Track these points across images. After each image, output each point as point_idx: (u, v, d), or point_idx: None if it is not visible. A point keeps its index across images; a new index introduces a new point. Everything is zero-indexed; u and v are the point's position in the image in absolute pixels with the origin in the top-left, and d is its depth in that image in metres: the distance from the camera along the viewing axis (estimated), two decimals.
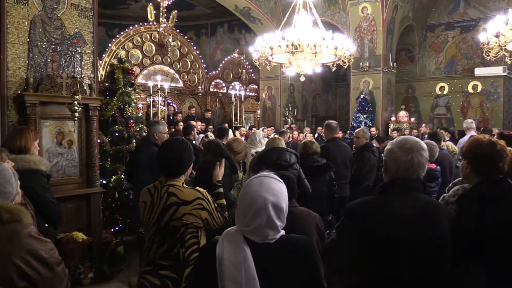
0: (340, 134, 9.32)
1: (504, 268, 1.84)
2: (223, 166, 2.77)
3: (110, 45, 10.79)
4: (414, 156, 1.81)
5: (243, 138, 8.86)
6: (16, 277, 1.57)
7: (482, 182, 2.02)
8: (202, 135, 7.68)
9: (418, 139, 1.91)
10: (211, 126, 10.21)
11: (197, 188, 2.41)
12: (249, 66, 14.12)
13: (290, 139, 9.37)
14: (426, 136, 5.58)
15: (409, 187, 1.82)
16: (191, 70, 12.69)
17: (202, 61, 13.21)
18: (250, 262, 1.48)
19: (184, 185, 2.39)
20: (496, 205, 1.91)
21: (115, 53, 10.45)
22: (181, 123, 8.92)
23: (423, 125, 10.63)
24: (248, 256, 1.48)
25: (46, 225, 2.90)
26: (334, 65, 7.35)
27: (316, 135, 10.74)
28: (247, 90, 13.95)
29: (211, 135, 6.76)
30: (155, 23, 11.20)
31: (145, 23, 11.32)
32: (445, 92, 12.86)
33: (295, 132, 10.36)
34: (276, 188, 1.58)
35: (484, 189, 1.99)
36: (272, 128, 11.31)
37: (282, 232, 1.60)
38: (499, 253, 1.84)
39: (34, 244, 1.65)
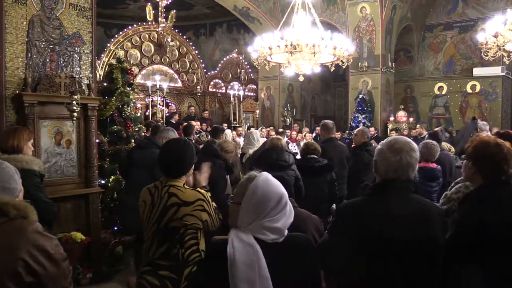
0: (338, 135, 9.32)
1: (505, 270, 1.83)
2: (205, 171, 2.68)
3: (108, 45, 10.80)
4: (403, 157, 1.80)
5: (241, 138, 8.88)
6: (23, 272, 1.59)
7: (486, 184, 2.01)
8: (197, 135, 7.65)
9: (409, 140, 1.90)
10: (205, 125, 10.18)
11: (198, 189, 2.41)
12: (248, 66, 14.13)
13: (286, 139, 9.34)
14: (426, 136, 5.56)
15: (400, 188, 1.81)
16: (190, 70, 12.69)
17: (201, 61, 13.22)
18: (263, 262, 1.49)
19: (185, 185, 2.38)
20: (500, 207, 1.89)
21: (114, 53, 10.45)
22: (184, 123, 8.87)
23: (418, 125, 10.55)
24: (261, 256, 1.49)
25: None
26: (333, 65, 7.36)
27: (313, 134, 10.73)
28: (246, 90, 13.96)
29: (203, 135, 6.72)
30: (154, 23, 11.20)
31: (144, 23, 11.32)
32: (443, 92, 12.89)
33: (294, 133, 10.34)
34: (281, 185, 1.66)
35: (488, 191, 1.97)
36: (271, 128, 11.32)
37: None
38: (502, 256, 1.84)
39: (40, 239, 1.67)
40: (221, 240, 1.59)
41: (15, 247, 1.60)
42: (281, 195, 1.60)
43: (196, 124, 9.10)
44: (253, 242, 1.52)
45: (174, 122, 9.66)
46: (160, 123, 6.93)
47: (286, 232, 1.60)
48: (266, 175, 1.64)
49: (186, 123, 6.78)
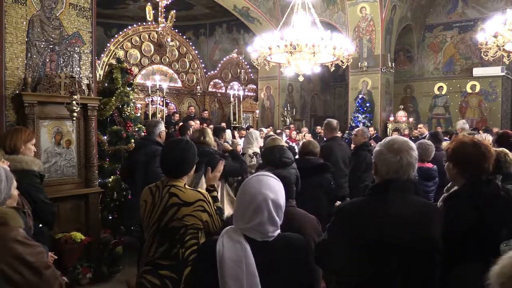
0: (339, 134, 9.28)
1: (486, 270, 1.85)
2: (218, 169, 2.72)
3: (108, 45, 10.79)
4: (403, 156, 1.80)
5: (242, 139, 8.87)
6: (1, 281, 1.56)
7: (468, 183, 2.03)
8: None
9: (406, 139, 1.91)
10: (205, 125, 10.17)
11: (199, 189, 2.41)
12: (248, 66, 14.12)
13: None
14: (426, 135, 5.57)
15: (401, 188, 1.80)
16: (189, 70, 12.68)
17: (201, 61, 13.21)
18: (251, 259, 1.50)
19: (186, 186, 2.39)
20: (482, 206, 1.91)
21: (114, 53, 10.44)
22: (181, 123, 8.88)
23: (421, 125, 10.51)
24: (249, 253, 1.51)
25: (41, 225, 2.89)
26: (333, 65, 7.36)
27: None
28: (246, 90, 13.95)
29: None
30: (153, 23, 11.19)
31: (144, 23, 11.31)
32: (443, 92, 12.89)
33: (294, 132, 10.33)
34: (274, 186, 1.62)
35: (470, 191, 2.00)
36: (271, 128, 11.32)
37: (279, 230, 1.63)
38: (483, 254, 1.85)
39: (19, 248, 1.63)
40: (215, 238, 1.61)
41: None
42: (258, 198, 1.56)
43: (195, 124, 9.10)
44: (241, 240, 1.54)
45: (174, 121, 9.67)
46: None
47: (277, 231, 1.60)
48: (257, 177, 1.64)
49: (182, 123, 6.78)
